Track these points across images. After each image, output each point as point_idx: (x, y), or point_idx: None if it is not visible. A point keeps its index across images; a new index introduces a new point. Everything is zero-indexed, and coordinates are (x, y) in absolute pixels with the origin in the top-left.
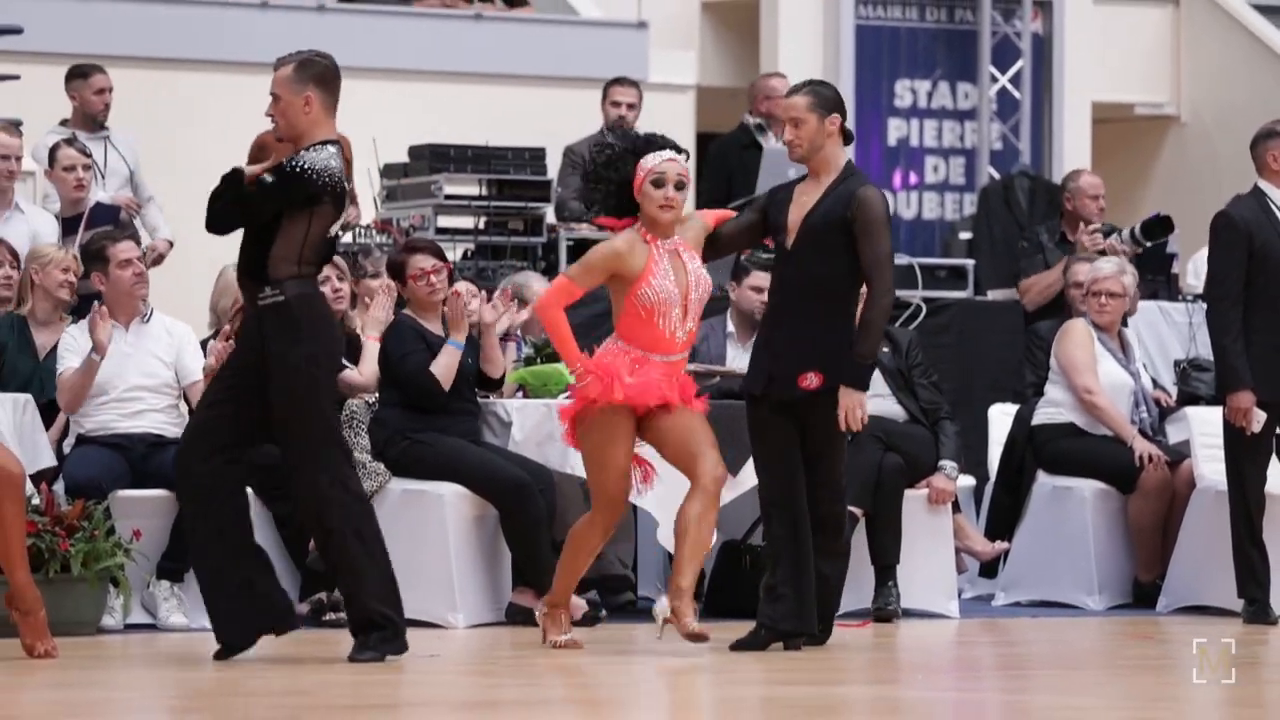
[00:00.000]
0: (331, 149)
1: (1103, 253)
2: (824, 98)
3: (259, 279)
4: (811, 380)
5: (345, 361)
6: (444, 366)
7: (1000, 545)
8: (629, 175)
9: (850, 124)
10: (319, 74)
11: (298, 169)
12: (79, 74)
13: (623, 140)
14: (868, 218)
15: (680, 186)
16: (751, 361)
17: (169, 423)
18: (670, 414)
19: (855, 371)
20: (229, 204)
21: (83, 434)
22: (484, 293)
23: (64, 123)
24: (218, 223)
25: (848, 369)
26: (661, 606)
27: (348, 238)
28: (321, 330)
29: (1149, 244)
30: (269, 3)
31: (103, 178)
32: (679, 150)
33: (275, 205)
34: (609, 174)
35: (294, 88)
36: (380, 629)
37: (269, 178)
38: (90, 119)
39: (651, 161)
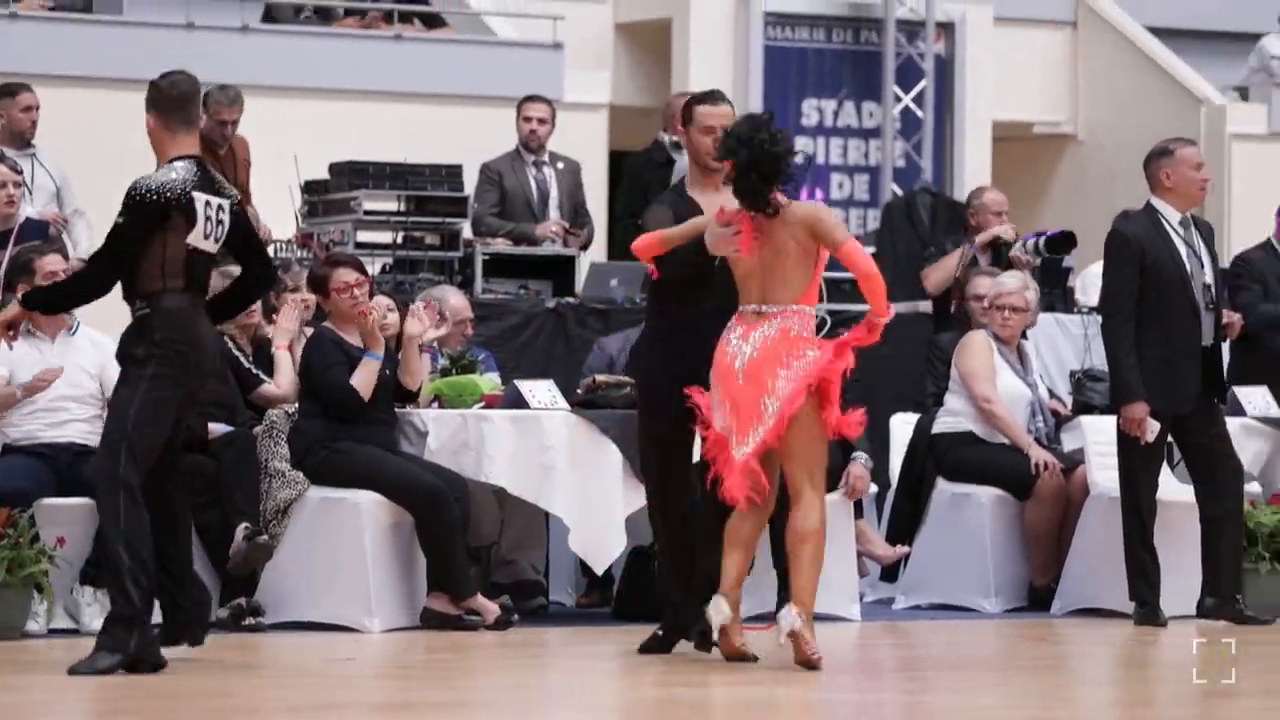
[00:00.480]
0: (179, 165)
1: (1010, 265)
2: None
3: (130, 296)
4: None
5: (262, 375)
6: (363, 379)
7: (901, 550)
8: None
9: None
10: (154, 98)
11: (135, 198)
12: (6, 92)
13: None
14: None
15: None
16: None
17: (93, 432)
18: None
19: None
20: (99, 264)
21: (8, 443)
22: (402, 307)
23: None
24: (97, 289)
25: None
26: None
27: (269, 250)
28: (178, 341)
29: (1050, 256)
30: (194, 24)
31: (30, 194)
32: None
33: (134, 237)
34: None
35: (147, 114)
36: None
37: (120, 219)
38: (18, 136)
39: None
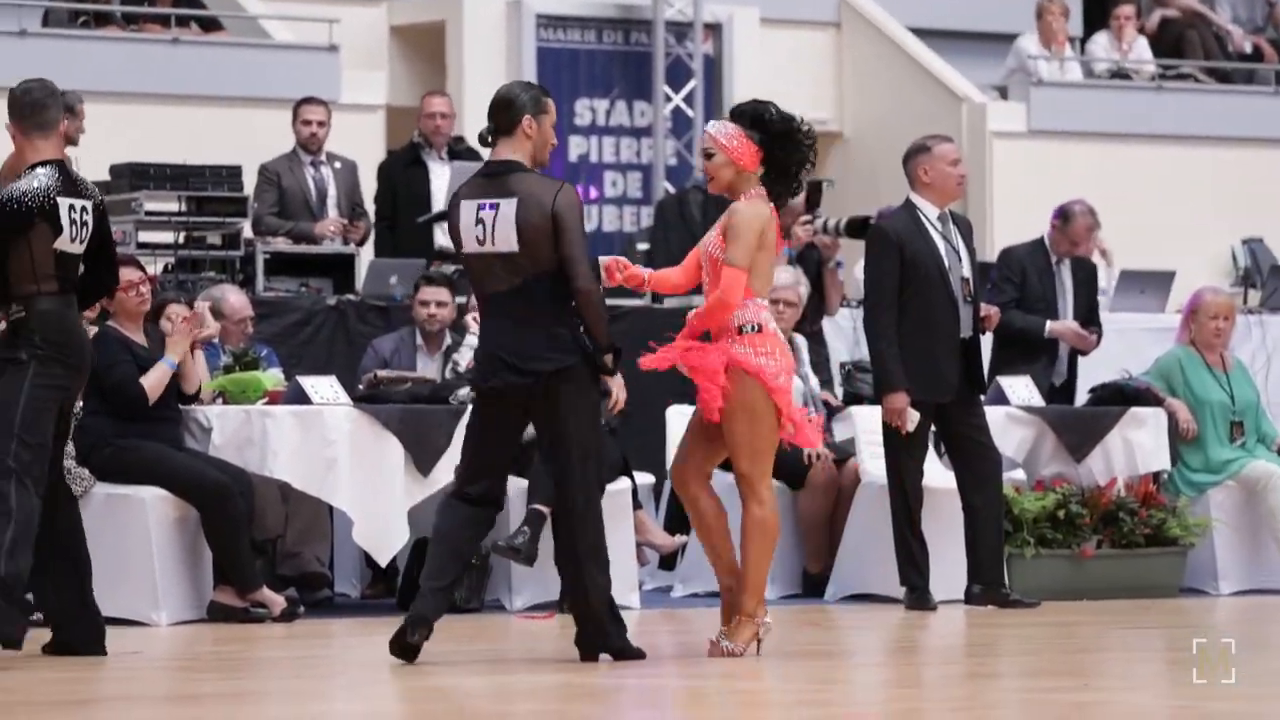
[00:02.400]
0: (40, 171)
1: (811, 245)
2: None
3: (3, 301)
4: None
5: None
6: (155, 382)
7: (679, 539)
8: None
9: None
10: (10, 106)
11: None
12: None
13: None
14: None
15: (707, 155)
16: (479, 361)
17: None
18: None
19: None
20: None
21: None
22: (188, 309)
23: None
24: None
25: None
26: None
27: None
28: (55, 343)
29: (849, 239)
30: None
31: None
32: (735, 115)
33: (5, 249)
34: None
35: (8, 123)
36: None
37: None
38: None
39: None
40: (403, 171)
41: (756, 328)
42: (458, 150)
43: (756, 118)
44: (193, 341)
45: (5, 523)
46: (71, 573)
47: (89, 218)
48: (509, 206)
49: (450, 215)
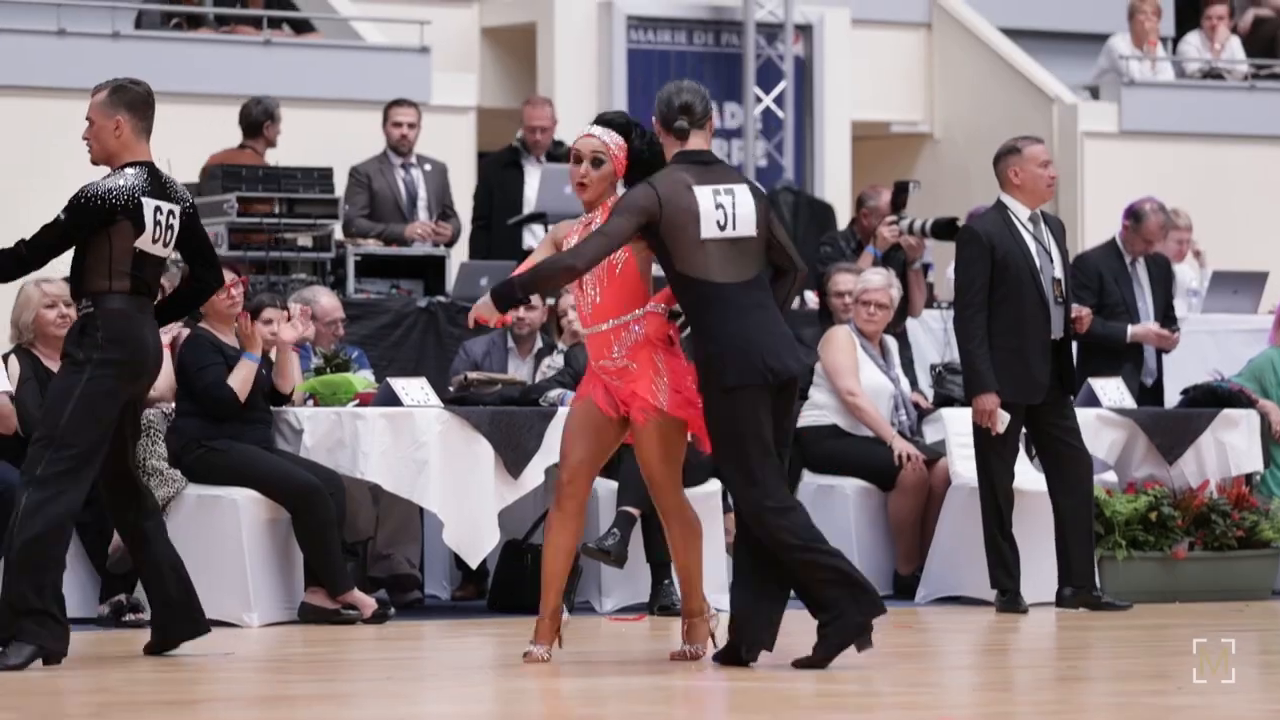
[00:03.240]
0: (129, 170)
1: (897, 246)
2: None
3: (76, 294)
4: None
5: None
6: (241, 379)
7: None
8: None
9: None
10: (130, 100)
11: (81, 200)
12: None
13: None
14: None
15: (596, 163)
16: (739, 354)
17: None
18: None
19: None
20: (18, 247)
21: None
22: (285, 311)
23: None
24: (8, 270)
25: None
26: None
27: None
28: (119, 343)
29: (935, 240)
30: (66, 30)
31: None
32: (606, 123)
33: (69, 237)
34: None
35: (106, 112)
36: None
37: (61, 214)
38: None
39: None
40: (499, 174)
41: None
42: (555, 154)
43: (626, 133)
44: (296, 340)
45: (30, 540)
46: (157, 567)
47: (175, 221)
48: (744, 193)
49: (674, 200)
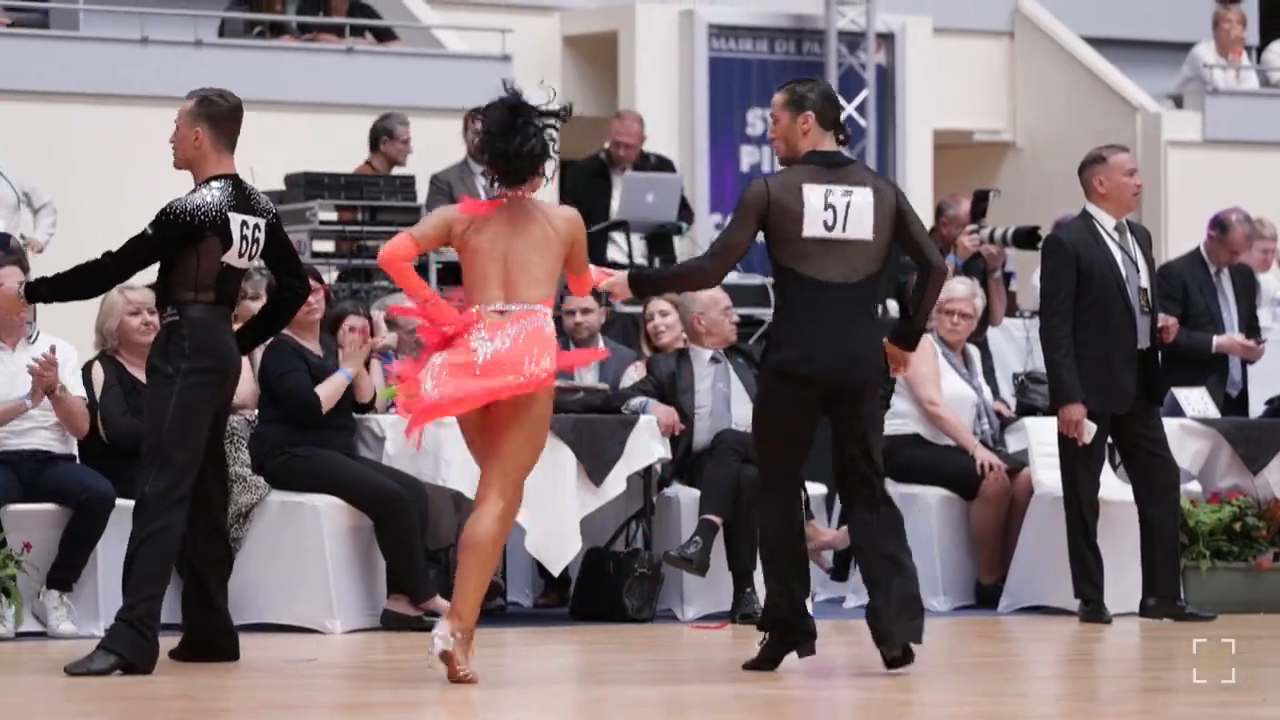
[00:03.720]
0: (215, 185)
1: (977, 255)
2: (797, 94)
3: (162, 304)
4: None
5: None
6: (331, 392)
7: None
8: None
9: (704, 151)
10: (213, 113)
11: (170, 216)
12: None
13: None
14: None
15: None
16: (816, 347)
17: (55, 439)
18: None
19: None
20: (106, 262)
21: None
22: (365, 321)
23: None
24: (97, 285)
25: (909, 335)
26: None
27: None
28: (204, 351)
29: (1016, 249)
30: (149, 38)
31: None
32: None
33: (157, 251)
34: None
35: (188, 121)
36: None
37: (148, 229)
38: None
39: None
40: (587, 183)
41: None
42: (640, 164)
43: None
44: (369, 352)
45: (132, 552)
46: (193, 574)
47: (260, 234)
48: (865, 196)
49: (782, 198)
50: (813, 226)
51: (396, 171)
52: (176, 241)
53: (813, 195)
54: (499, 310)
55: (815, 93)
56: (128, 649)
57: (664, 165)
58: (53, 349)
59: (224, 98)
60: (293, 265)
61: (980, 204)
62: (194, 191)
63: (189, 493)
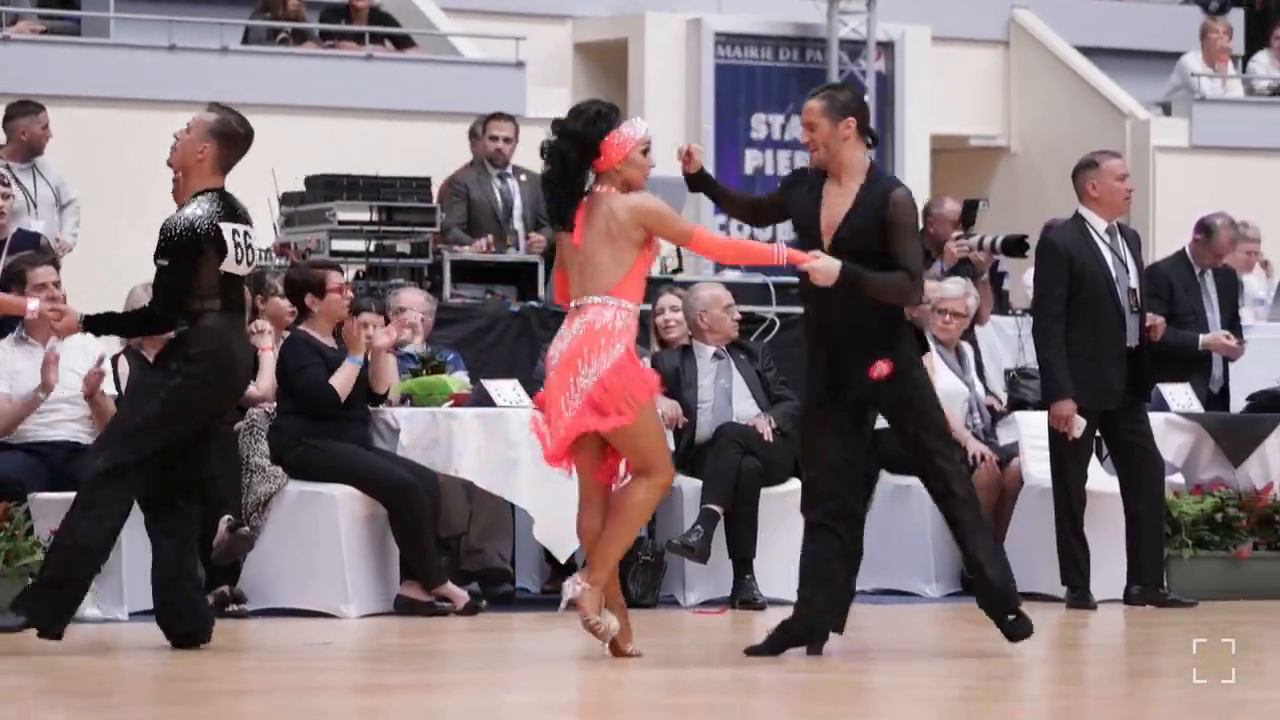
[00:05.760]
0: (203, 198)
1: (965, 260)
2: (837, 102)
3: (174, 317)
4: (881, 369)
5: None
6: (343, 380)
7: None
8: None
9: (710, 155)
10: (227, 134)
11: (172, 237)
12: (30, 110)
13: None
14: (904, 219)
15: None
16: (813, 374)
17: (84, 431)
18: None
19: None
20: (156, 306)
21: (4, 441)
22: (381, 316)
23: None
24: (155, 328)
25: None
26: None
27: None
28: (208, 355)
29: (1005, 256)
30: (176, 45)
31: (34, 206)
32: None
33: (178, 273)
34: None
35: (202, 133)
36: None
37: (162, 261)
38: (34, 150)
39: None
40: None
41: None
42: None
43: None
44: (392, 345)
45: (71, 521)
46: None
47: (253, 240)
48: None
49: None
50: (229, 264)
51: (412, 173)
52: (183, 256)
53: (227, 232)
54: (575, 305)
55: (852, 98)
56: (32, 612)
57: None
58: (100, 358)
59: (241, 125)
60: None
61: (970, 213)
62: (183, 208)
63: (140, 482)
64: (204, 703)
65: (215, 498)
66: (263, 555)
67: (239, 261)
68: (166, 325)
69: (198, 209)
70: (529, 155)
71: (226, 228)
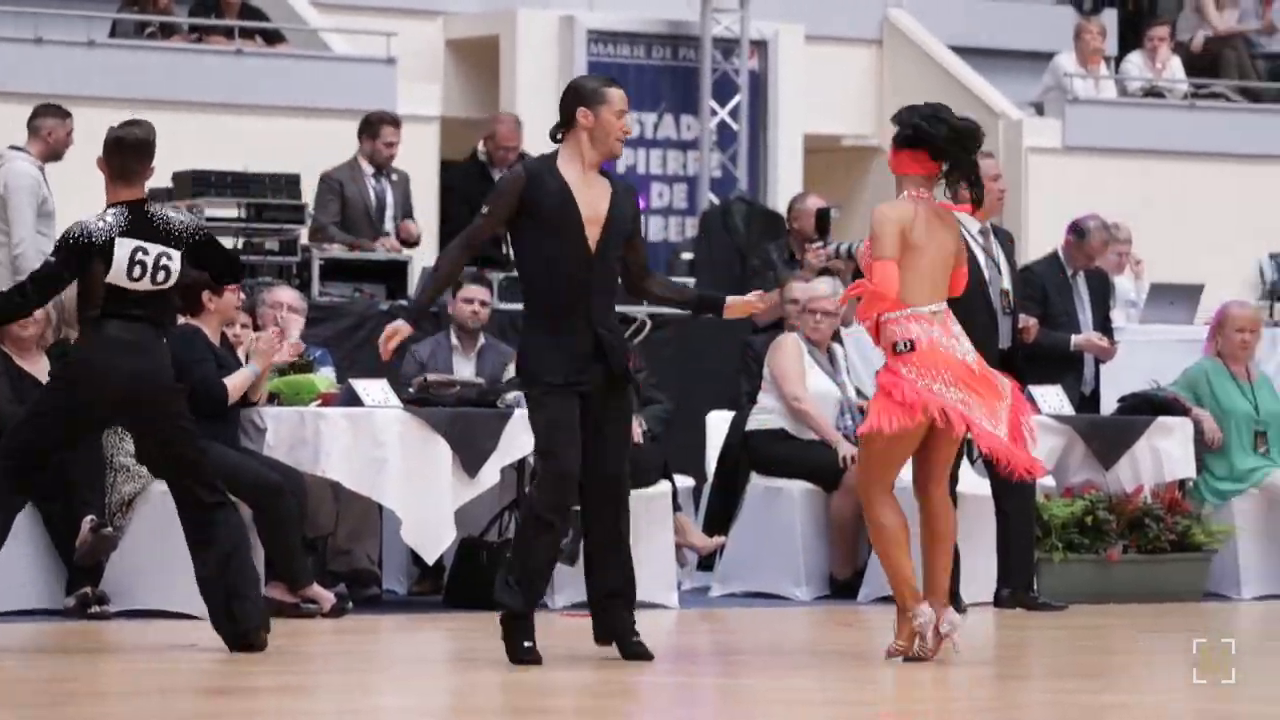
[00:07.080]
0: (109, 212)
1: (826, 270)
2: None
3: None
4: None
5: None
6: (238, 385)
7: (717, 540)
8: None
9: None
10: (107, 141)
11: (69, 239)
12: (51, 113)
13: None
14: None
15: None
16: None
17: None
18: None
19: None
20: (22, 287)
21: None
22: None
23: None
24: (13, 310)
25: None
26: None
27: None
28: (75, 364)
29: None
30: (43, 39)
31: None
32: None
33: (57, 273)
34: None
35: (103, 148)
36: None
37: (51, 256)
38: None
39: None
40: (469, 183)
41: (908, 345)
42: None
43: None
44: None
45: None
46: None
47: (169, 261)
48: None
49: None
50: (116, 277)
51: (282, 169)
52: (75, 262)
53: (126, 248)
54: (939, 309)
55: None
56: None
57: None
58: None
59: (131, 127)
60: (218, 255)
61: (823, 222)
62: (90, 218)
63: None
64: (67, 704)
65: (77, 497)
66: (126, 556)
67: (132, 278)
68: (21, 311)
69: (100, 222)
70: (400, 152)
71: (126, 243)
